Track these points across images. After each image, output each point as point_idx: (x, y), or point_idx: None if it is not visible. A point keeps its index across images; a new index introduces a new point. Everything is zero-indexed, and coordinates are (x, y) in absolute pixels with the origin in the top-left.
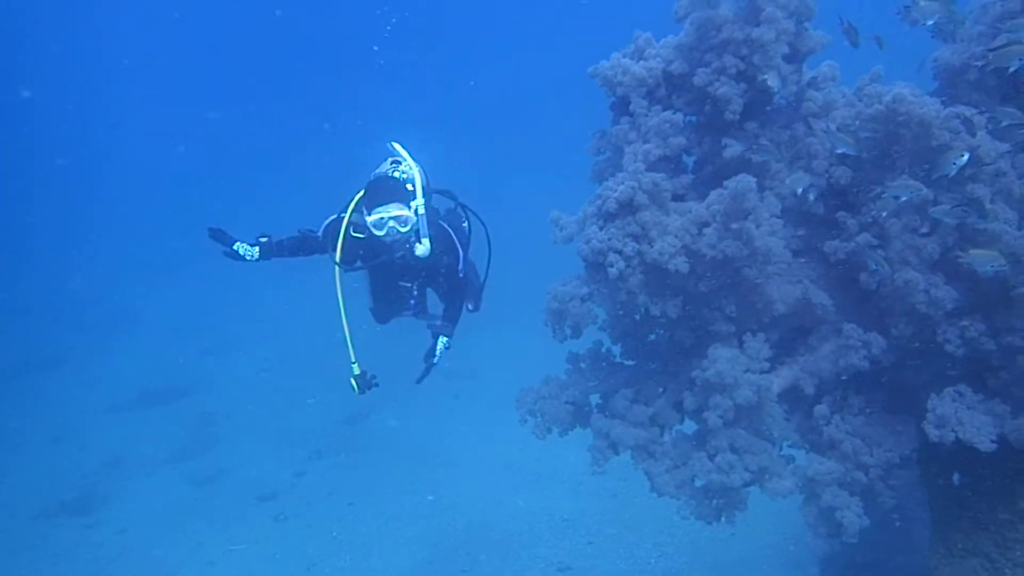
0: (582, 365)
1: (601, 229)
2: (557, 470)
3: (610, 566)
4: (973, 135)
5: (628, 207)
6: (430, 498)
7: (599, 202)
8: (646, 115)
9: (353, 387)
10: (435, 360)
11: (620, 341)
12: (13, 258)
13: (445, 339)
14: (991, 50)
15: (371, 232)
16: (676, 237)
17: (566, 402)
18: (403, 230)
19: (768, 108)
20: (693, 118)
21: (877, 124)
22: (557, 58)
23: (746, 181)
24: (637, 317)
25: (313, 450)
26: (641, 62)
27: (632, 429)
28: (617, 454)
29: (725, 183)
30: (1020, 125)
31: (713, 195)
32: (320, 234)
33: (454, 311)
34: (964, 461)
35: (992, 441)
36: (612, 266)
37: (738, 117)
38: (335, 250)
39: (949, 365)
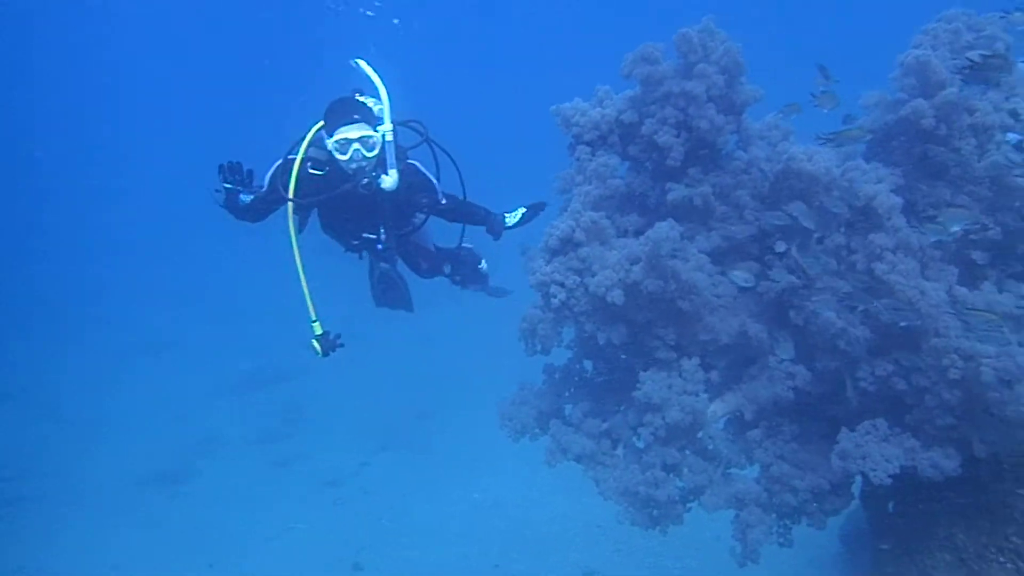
0: (556, 376)
1: (547, 263)
2: None
3: (634, 573)
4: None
5: (569, 243)
6: (476, 496)
7: (545, 238)
8: (590, 159)
9: (315, 350)
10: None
11: (588, 359)
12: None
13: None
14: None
15: (333, 162)
16: (613, 271)
17: (538, 410)
18: (369, 155)
19: (714, 155)
20: (648, 164)
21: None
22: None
23: (663, 231)
24: (602, 341)
25: (380, 442)
26: (597, 108)
27: (581, 439)
28: (567, 459)
29: (655, 226)
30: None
31: (643, 236)
32: (265, 184)
33: (470, 216)
34: (897, 490)
35: (889, 476)
36: (555, 297)
37: (680, 163)
38: (286, 189)
39: (872, 400)
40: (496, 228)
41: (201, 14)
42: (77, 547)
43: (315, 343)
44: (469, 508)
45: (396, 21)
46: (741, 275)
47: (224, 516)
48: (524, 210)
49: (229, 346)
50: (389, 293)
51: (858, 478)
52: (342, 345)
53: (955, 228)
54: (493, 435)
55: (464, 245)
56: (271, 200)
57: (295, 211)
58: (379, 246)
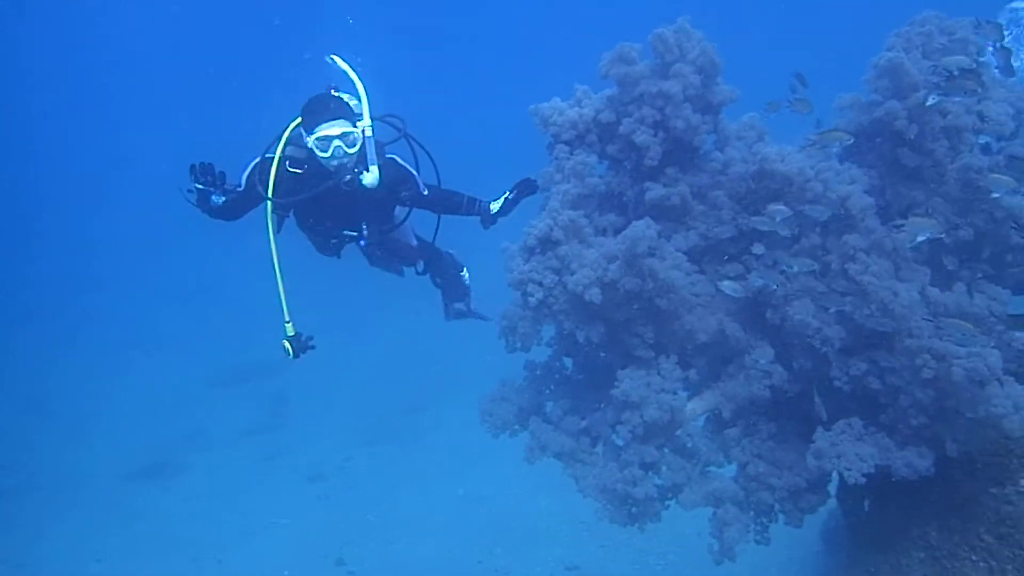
0: (537, 373)
1: (525, 262)
2: None
3: (616, 568)
4: None
5: (547, 242)
6: (460, 491)
7: (523, 237)
8: (568, 158)
9: (287, 350)
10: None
11: (568, 357)
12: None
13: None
14: None
15: (312, 160)
16: (591, 270)
17: (518, 407)
18: (350, 151)
19: (691, 155)
20: (626, 164)
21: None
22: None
23: (639, 229)
24: (580, 339)
25: (366, 437)
26: (575, 108)
27: (560, 436)
28: (546, 456)
29: (631, 225)
30: None
31: (621, 235)
32: (242, 183)
33: (454, 204)
34: (872, 489)
35: (863, 475)
36: (532, 296)
37: (657, 163)
38: (265, 189)
39: (847, 399)
40: (487, 217)
41: (199, 12)
42: (63, 539)
43: (286, 344)
44: (454, 503)
45: (351, 21)
46: (730, 285)
47: (209, 510)
48: (508, 194)
49: (216, 340)
50: (379, 255)
51: (835, 476)
52: (313, 347)
53: (921, 238)
54: (478, 431)
55: (448, 251)
56: (249, 199)
57: (274, 211)
58: (361, 243)
